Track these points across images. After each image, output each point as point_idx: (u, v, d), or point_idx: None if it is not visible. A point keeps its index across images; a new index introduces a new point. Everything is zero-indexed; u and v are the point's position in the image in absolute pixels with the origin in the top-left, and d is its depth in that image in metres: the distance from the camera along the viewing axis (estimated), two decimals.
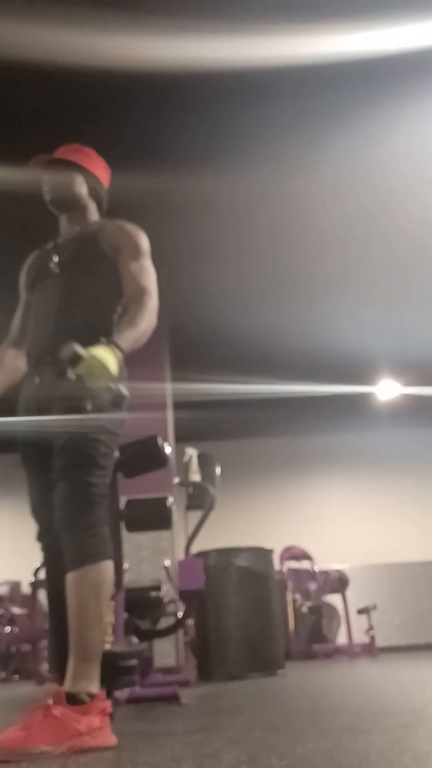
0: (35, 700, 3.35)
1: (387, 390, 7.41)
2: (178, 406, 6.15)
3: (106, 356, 1.56)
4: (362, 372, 6.72)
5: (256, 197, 3.86)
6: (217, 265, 4.48)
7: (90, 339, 1.64)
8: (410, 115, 3.45)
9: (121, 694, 2.53)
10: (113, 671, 2.21)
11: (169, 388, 6.05)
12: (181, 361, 6.03)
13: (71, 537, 1.65)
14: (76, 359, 1.53)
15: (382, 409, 7.89)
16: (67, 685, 1.53)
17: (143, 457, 2.86)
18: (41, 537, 1.90)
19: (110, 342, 1.64)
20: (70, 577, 1.62)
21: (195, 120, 3.17)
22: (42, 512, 1.84)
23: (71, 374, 1.56)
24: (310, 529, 7.99)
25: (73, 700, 1.50)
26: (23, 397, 1.91)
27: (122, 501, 2.94)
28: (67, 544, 1.66)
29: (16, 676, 5.98)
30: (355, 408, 7.83)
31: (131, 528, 3.11)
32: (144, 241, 1.98)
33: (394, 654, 6.44)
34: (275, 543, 5.97)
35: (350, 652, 6.36)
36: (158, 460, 2.92)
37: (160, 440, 2.91)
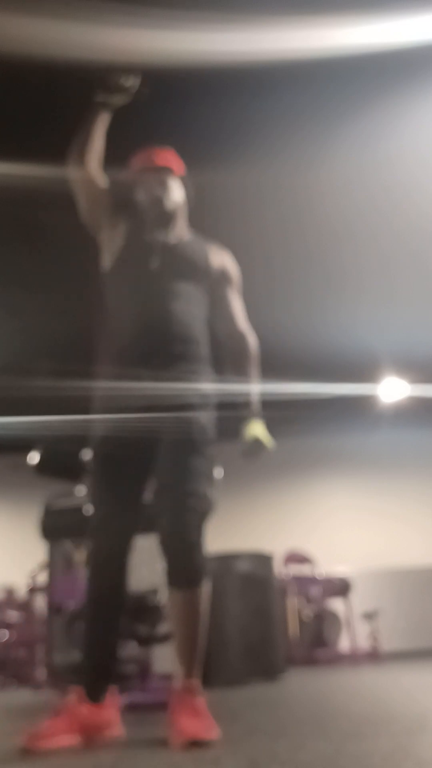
0: (35, 707, 3.31)
1: (393, 390, 7.38)
2: None
3: (265, 433, 1.87)
4: (367, 371, 6.69)
5: (258, 193, 3.85)
6: None
7: (197, 351, 1.86)
8: (421, 108, 3.44)
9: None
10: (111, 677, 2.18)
11: None
12: None
13: (197, 552, 1.71)
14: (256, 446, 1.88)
15: (387, 410, 7.86)
16: (194, 682, 1.69)
17: None
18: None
19: (255, 414, 1.91)
20: (192, 592, 1.71)
21: (200, 114, 3.16)
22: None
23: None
24: (313, 533, 7.95)
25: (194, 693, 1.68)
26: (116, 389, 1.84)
27: None
28: (188, 558, 1.70)
29: (13, 682, 5.95)
30: (360, 409, 7.80)
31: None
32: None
33: (399, 659, 6.40)
34: (277, 547, 5.93)
35: (353, 657, 6.32)
36: None
37: None
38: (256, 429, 1.88)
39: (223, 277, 2.00)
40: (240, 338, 2.00)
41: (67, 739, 1.57)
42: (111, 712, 1.73)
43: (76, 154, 1.92)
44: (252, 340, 2.01)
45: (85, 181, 1.93)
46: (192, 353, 1.87)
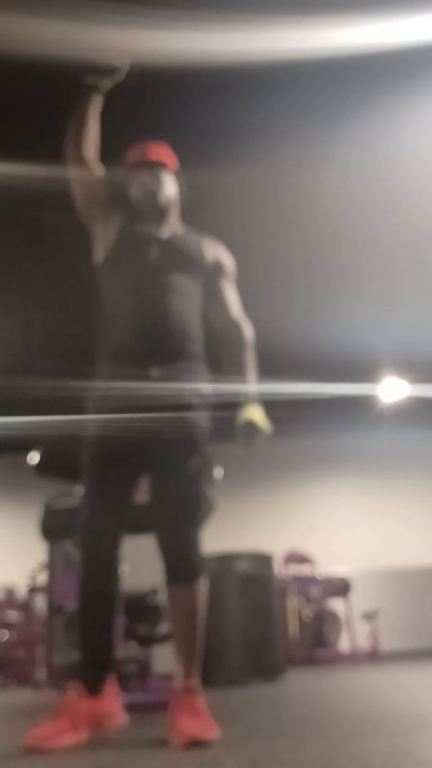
0: (35, 707, 3.31)
1: (393, 390, 7.37)
2: None
3: (263, 417, 1.83)
4: (367, 371, 6.69)
5: (258, 193, 3.85)
6: None
7: (193, 348, 1.85)
8: (421, 108, 3.45)
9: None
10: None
11: None
12: None
13: (194, 548, 1.72)
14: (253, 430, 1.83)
15: (387, 410, 7.86)
16: (194, 681, 1.71)
17: None
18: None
19: (251, 399, 1.87)
20: (189, 589, 1.72)
21: (200, 114, 3.17)
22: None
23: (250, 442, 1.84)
24: (313, 533, 7.95)
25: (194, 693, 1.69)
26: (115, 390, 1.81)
27: None
28: (184, 555, 1.71)
29: (13, 682, 5.94)
30: (360, 409, 7.80)
31: (131, 531, 3.08)
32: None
33: (399, 659, 6.40)
34: (277, 547, 5.92)
35: (353, 657, 6.32)
36: None
37: None
38: (252, 413, 1.83)
39: (217, 269, 2.00)
40: (235, 327, 1.98)
41: (72, 737, 1.57)
42: (112, 702, 1.73)
43: (72, 141, 1.91)
44: (247, 328, 1.99)
45: (82, 168, 1.92)
46: (189, 350, 1.86)
